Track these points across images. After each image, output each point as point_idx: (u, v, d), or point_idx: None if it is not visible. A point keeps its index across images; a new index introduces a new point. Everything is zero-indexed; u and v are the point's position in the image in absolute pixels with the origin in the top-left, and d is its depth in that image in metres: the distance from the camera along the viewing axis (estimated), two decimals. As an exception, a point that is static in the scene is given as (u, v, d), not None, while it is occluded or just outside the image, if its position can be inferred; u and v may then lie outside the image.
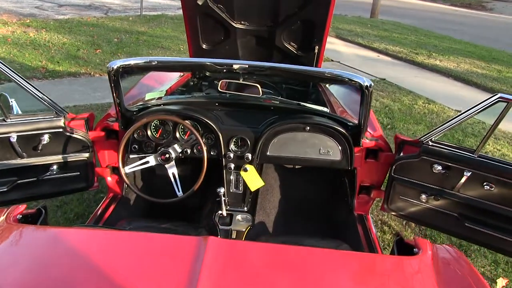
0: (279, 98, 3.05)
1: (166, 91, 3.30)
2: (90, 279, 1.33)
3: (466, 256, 3.29)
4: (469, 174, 2.34)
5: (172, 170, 2.58)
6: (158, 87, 3.41)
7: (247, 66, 2.33)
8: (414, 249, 1.59)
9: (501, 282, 3.03)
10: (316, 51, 3.59)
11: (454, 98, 7.79)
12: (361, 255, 1.66)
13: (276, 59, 3.87)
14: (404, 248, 1.67)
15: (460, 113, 2.31)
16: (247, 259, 1.45)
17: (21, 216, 1.72)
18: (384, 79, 8.57)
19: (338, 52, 10.80)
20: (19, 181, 2.57)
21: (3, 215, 1.66)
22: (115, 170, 2.90)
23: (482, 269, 3.21)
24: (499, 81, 9.04)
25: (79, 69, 7.46)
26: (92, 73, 7.41)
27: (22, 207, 1.76)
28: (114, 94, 2.43)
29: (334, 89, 3.69)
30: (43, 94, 2.45)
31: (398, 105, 7.03)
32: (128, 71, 2.37)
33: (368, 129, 2.77)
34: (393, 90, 7.85)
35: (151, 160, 2.58)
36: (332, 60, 9.89)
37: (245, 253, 1.49)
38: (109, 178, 2.96)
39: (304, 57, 3.73)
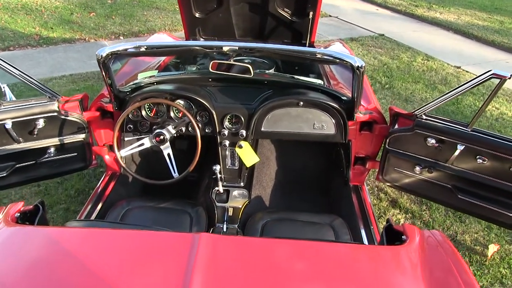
0: (272, 72, 3.02)
1: (160, 65, 3.27)
2: (84, 278, 1.35)
3: (461, 223, 3.39)
4: (462, 147, 2.36)
5: (167, 151, 2.60)
6: (151, 61, 3.37)
7: (237, 48, 2.31)
8: (403, 236, 1.63)
9: (492, 248, 3.09)
10: (310, 16, 3.53)
11: (454, 53, 7.69)
12: (352, 246, 1.70)
13: (270, 26, 3.80)
14: (393, 234, 1.71)
15: (453, 89, 2.30)
16: (240, 255, 1.48)
17: (19, 214, 1.74)
18: (383, 35, 8.43)
19: (336, 6, 10.53)
20: (18, 165, 2.60)
21: (1, 214, 1.68)
22: (112, 148, 2.93)
23: (476, 235, 3.27)
24: (500, 33, 8.87)
25: (73, 35, 7.34)
26: (87, 38, 7.29)
27: (19, 205, 1.77)
28: (105, 78, 2.42)
29: None
30: (35, 80, 2.44)
31: (397, 62, 6.94)
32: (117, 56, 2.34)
33: (363, 102, 2.76)
34: (392, 47, 7.74)
35: (146, 142, 2.59)
36: (330, 16, 9.68)
37: (238, 249, 1.51)
38: (107, 157, 2.99)
39: (298, 23, 3.67)
